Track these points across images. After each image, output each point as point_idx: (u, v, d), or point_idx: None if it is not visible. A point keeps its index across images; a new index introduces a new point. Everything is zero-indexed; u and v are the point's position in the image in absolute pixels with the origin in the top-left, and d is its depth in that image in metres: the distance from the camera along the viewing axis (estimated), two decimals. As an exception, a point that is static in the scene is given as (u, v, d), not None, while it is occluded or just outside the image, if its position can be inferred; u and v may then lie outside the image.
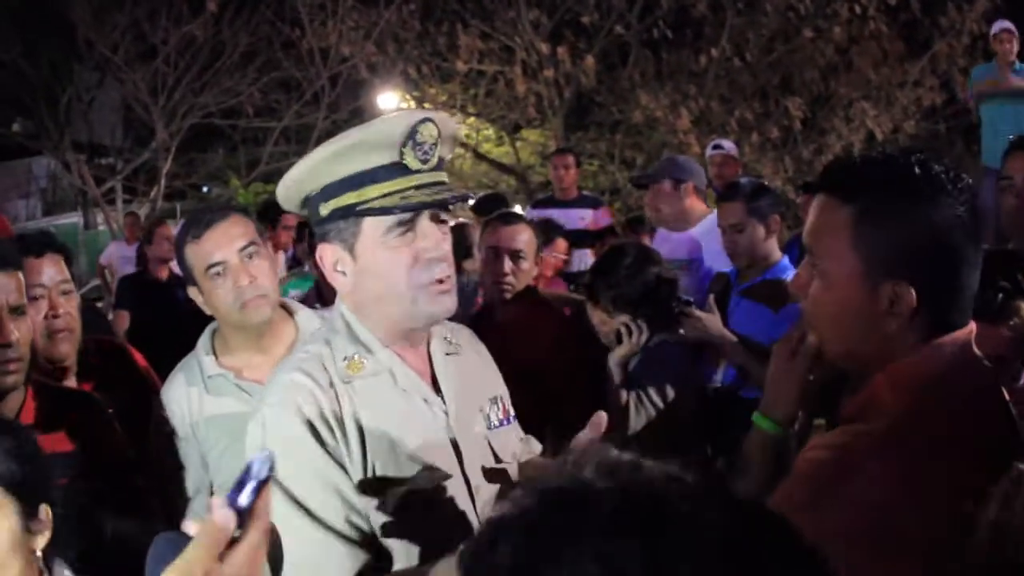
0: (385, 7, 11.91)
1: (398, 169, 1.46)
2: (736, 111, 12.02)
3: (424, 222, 1.48)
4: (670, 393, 2.81)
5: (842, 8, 12.10)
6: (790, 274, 3.23)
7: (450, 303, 1.53)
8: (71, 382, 2.34)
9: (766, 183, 3.72)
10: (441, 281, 1.50)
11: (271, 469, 1.06)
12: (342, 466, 1.45)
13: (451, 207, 1.57)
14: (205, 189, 14.97)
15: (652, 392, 2.80)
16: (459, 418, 1.58)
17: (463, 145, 12.64)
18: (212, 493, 2.08)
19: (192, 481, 2.16)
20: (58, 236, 2.56)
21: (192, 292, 2.19)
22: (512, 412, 1.73)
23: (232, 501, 1.01)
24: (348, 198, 1.47)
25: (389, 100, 11.97)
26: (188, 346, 2.27)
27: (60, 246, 2.38)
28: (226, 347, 2.19)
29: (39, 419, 1.91)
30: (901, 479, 1.14)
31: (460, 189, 1.60)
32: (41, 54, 13.86)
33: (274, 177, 13.28)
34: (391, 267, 1.48)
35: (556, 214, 5.72)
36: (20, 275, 1.91)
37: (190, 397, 2.15)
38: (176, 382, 2.18)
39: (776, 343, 1.49)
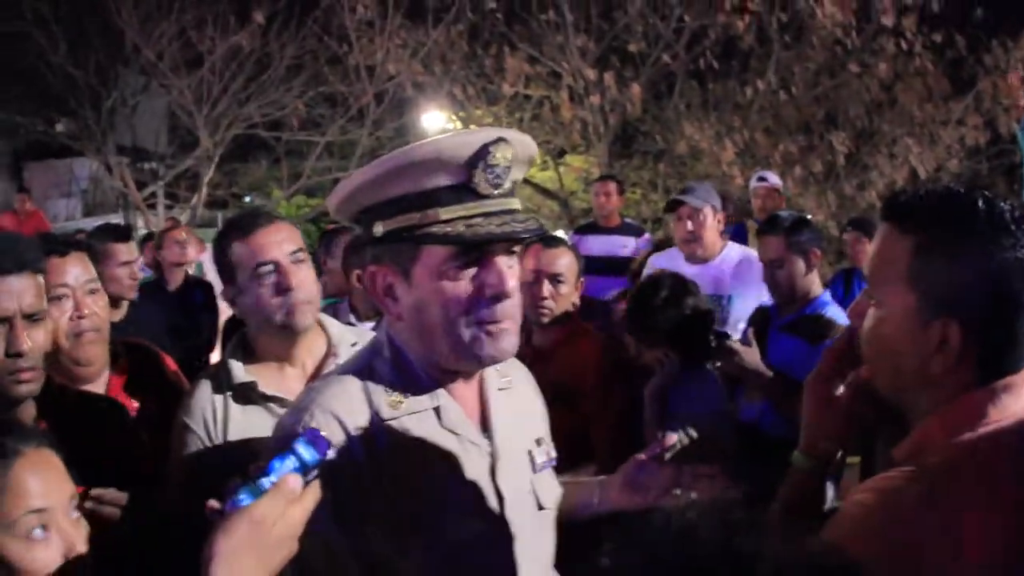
0: (433, 27, 11.95)
1: (466, 192, 1.32)
2: (780, 144, 11.96)
3: (493, 258, 1.35)
4: (707, 428, 2.75)
5: (888, 44, 12.05)
6: (830, 309, 3.31)
7: (509, 345, 1.40)
8: (100, 385, 2.27)
9: (808, 217, 3.64)
10: (502, 320, 1.37)
11: (324, 453, 1.10)
12: (365, 510, 1.34)
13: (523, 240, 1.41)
14: (247, 199, 15.02)
15: (690, 427, 2.73)
16: (505, 461, 1.47)
17: (505, 168, 12.59)
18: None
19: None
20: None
21: (226, 291, 2.12)
22: (554, 455, 1.62)
23: (263, 474, 1.07)
24: (407, 219, 1.33)
25: (435, 119, 11.97)
26: (202, 351, 2.26)
27: (86, 244, 2.32)
28: (254, 355, 2.12)
29: (54, 425, 1.79)
30: (943, 529, 1.09)
31: (534, 220, 1.41)
32: (88, 57, 14.00)
33: (316, 191, 13.40)
34: (450, 299, 1.35)
35: (598, 241, 5.67)
36: (39, 278, 1.76)
37: (215, 404, 2.06)
38: (203, 388, 2.09)
39: (808, 378, 1.42)
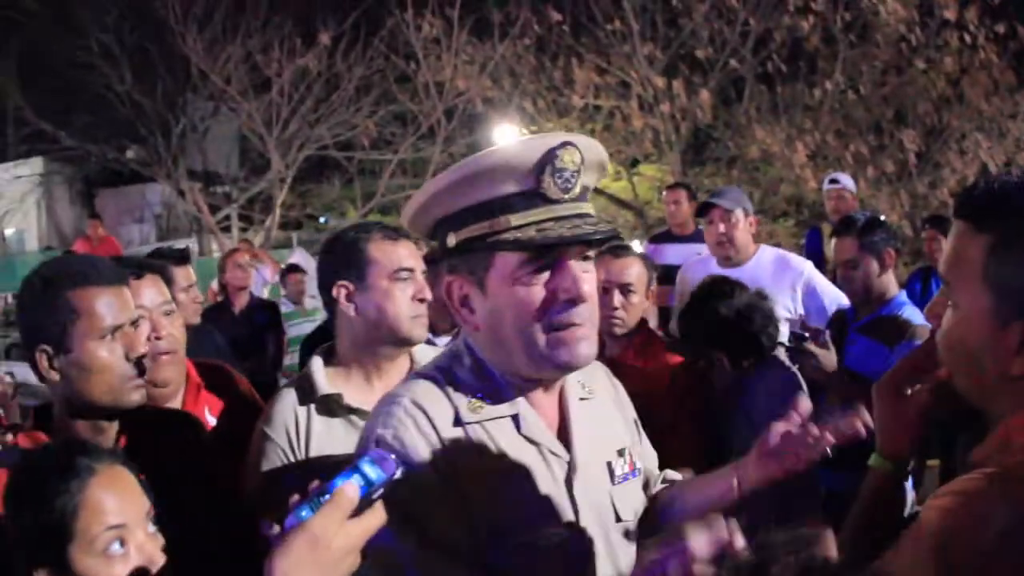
0: (499, 42, 12.03)
1: (536, 198, 1.31)
2: (851, 145, 11.88)
3: (566, 262, 1.33)
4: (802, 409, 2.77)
5: (952, 38, 11.93)
6: (907, 310, 3.23)
7: (586, 351, 1.36)
8: (176, 404, 2.26)
9: (882, 217, 3.57)
10: (578, 325, 1.34)
11: (391, 472, 1.07)
12: (457, 506, 1.33)
13: (596, 245, 1.38)
14: (323, 220, 15.17)
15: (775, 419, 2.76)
16: (583, 472, 1.44)
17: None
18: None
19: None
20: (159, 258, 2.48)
21: (340, 288, 2.06)
22: (639, 465, 1.58)
23: (324, 492, 1.06)
24: (479, 228, 1.32)
25: (506, 134, 12.03)
26: (267, 370, 2.23)
27: (159, 267, 2.32)
28: (340, 366, 2.10)
29: (131, 441, 1.79)
30: None
31: (606, 223, 1.39)
32: (154, 84, 14.27)
33: (390, 209, 13.52)
34: (524, 306, 1.33)
35: (672, 250, 5.64)
36: (126, 290, 1.79)
37: (298, 415, 2.03)
38: (286, 398, 2.06)
39: (879, 382, 1.38)
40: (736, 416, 2.82)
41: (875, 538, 1.21)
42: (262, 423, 2.06)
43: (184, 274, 3.61)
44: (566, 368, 1.38)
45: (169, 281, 2.29)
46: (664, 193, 6.41)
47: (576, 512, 1.41)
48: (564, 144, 1.31)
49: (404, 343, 2.08)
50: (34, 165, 17.01)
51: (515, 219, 1.30)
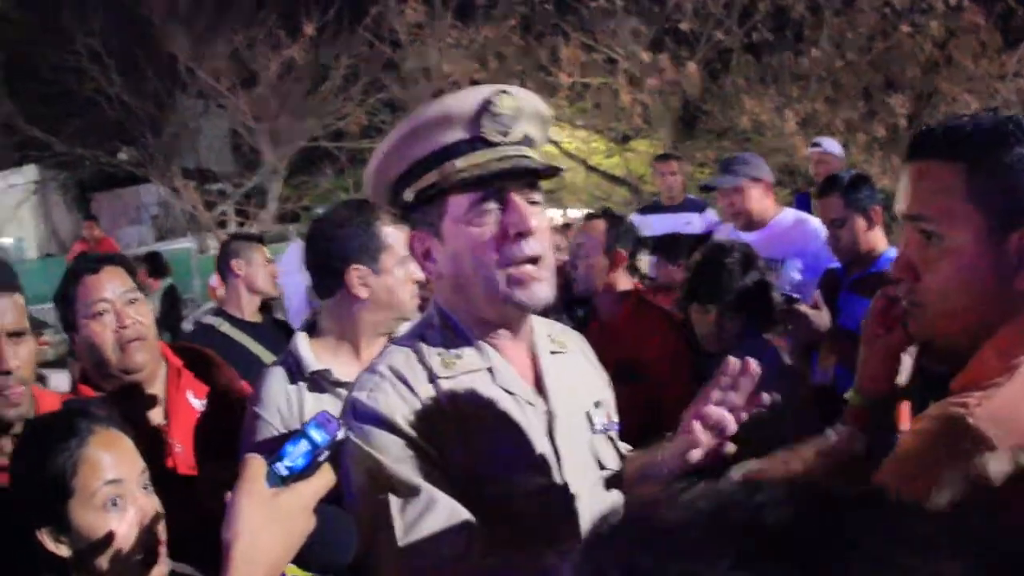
0: (484, 23, 12.01)
1: (478, 142, 1.38)
2: (841, 112, 11.88)
3: (511, 196, 1.38)
4: (774, 396, 2.76)
5: (936, 1, 11.91)
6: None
7: (543, 291, 1.41)
8: (158, 387, 2.30)
9: (867, 175, 3.55)
10: (532, 261, 1.39)
11: (333, 433, 1.12)
12: (434, 464, 1.38)
13: (540, 186, 1.44)
14: (319, 211, 15.17)
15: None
16: (561, 420, 1.47)
17: (573, 157, 12.68)
18: None
19: None
20: (123, 254, 2.51)
21: (353, 272, 2.11)
22: (616, 418, 1.62)
23: (276, 459, 1.11)
24: (430, 178, 1.40)
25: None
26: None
27: (118, 258, 2.36)
28: (326, 344, 2.16)
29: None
30: (1017, 452, 1.06)
31: (546, 160, 1.47)
32: (143, 85, 14.27)
33: (384, 197, 13.45)
34: (477, 244, 1.38)
35: (660, 220, 5.63)
36: (17, 297, 1.83)
37: (289, 394, 2.09)
38: (275, 378, 2.11)
39: (863, 319, 1.40)
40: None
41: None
42: (252, 403, 2.11)
43: (260, 250, 4.04)
44: (524, 307, 1.42)
45: (132, 272, 2.32)
46: (655, 165, 6.39)
47: (559, 460, 1.45)
48: (499, 91, 1.39)
49: (403, 321, 2.14)
50: (28, 173, 17.01)
51: (460, 163, 1.37)
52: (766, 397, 1.45)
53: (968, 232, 1.15)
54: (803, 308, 3.00)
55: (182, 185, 14.02)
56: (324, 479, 1.14)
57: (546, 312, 1.58)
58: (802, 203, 6.52)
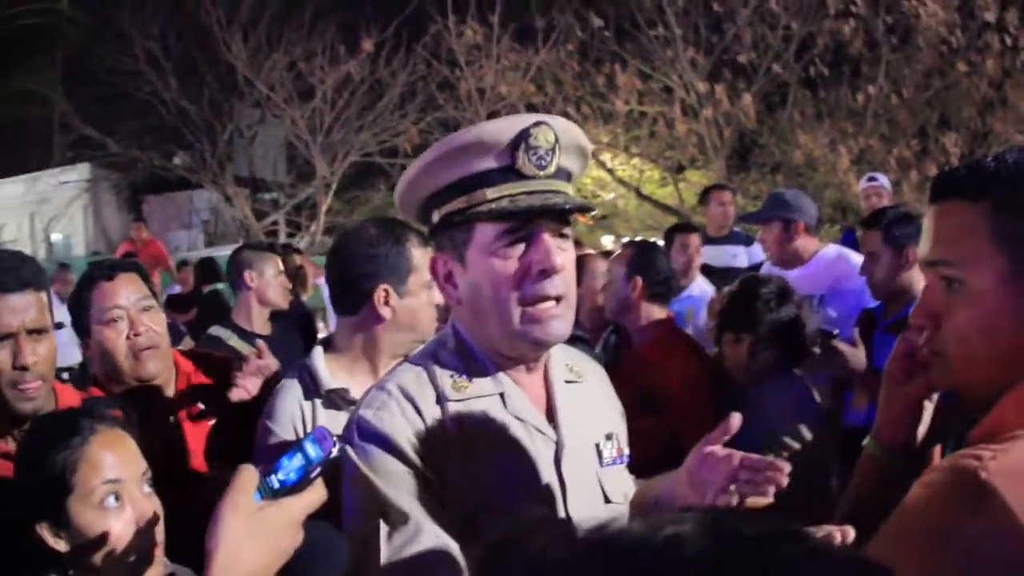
0: (542, 47, 12.10)
1: (511, 173, 1.35)
2: (895, 149, 11.85)
3: (539, 232, 1.36)
4: (806, 435, 2.68)
5: (993, 40, 11.86)
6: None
7: (559, 328, 1.38)
8: (167, 396, 2.30)
9: (915, 214, 3.43)
10: (551, 299, 1.36)
11: (328, 450, 1.11)
12: (430, 491, 1.35)
13: (571, 221, 1.42)
14: (370, 227, 15.20)
15: (787, 438, 2.67)
16: (571, 452, 1.44)
17: (626, 185, 12.73)
18: None
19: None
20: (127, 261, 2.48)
21: (382, 291, 2.07)
22: (627, 452, 1.58)
23: (271, 472, 1.10)
24: (459, 203, 1.37)
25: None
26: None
27: (132, 265, 2.34)
28: (342, 361, 2.13)
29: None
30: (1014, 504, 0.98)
31: (579, 198, 1.44)
32: (200, 92, 14.48)
33: (435, 216, 13.55)
34: (499, 277, 1.35)
35: (707, 250, 5.61)
36: (42, 295, 1.84)
37: (303, 409, 2.05)
38: (290, 393, 2.08)
39: (888, 362, 1.33)
40: (746, 428, 2.83)
41: (863, 524, 1.17)
42: (265, 417, 2.08)
43: (274, 261, 3.98)
44: (539, 345, 1.40)
45: (146, 279, 2.32)
46: (710, 193, 6.34)
47: (564, 492, 1.42)
48: (538, 123, 1.37)
49: (420, 343, 2.12)
50: (81, 171, 17.27)
51: (491, 192, 1.34)
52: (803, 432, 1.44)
53: (990, 275, 1.09)
54: (840, 345, 2.96)
55: (234, 192, 14.19)
56: (315, 495, 1.12)
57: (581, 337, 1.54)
58: (848, 239, 6.51)
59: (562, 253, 1.37)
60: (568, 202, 1.37)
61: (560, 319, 1.38)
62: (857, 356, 2.99)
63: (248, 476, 1.10)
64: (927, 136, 12.06)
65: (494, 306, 1.37)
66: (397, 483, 1.34)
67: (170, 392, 2.31)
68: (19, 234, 19.28)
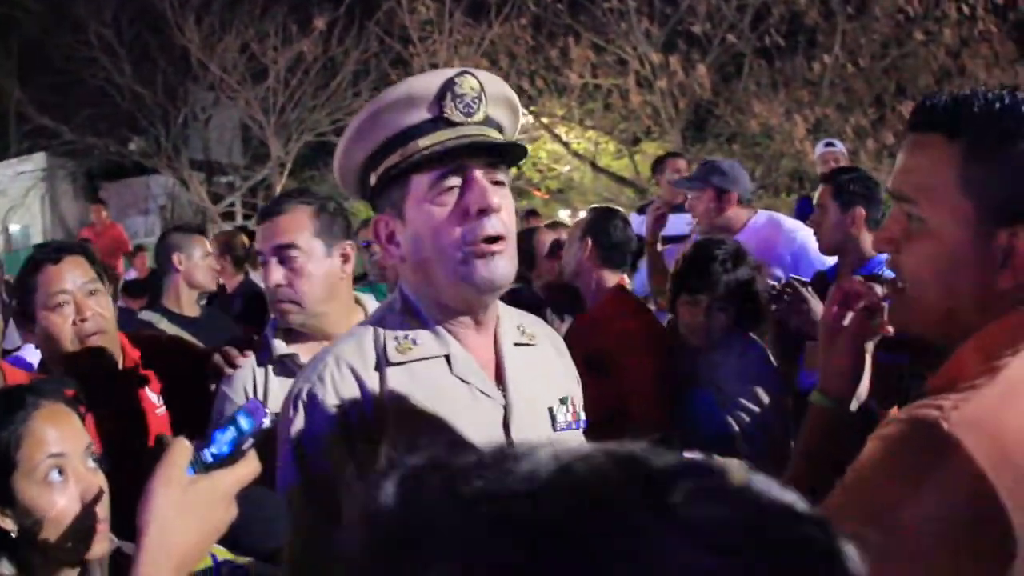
0: (495, 21, 12.01)
1: (440, 122, 1.36)
2: (852, 118, 11.84)
3: (473, 173, 1.36)
4: (763, 397, 2.69)
5: (951, 9, 11.87)
6: (886, 269, 3.15)
7: (503, 267, 1.37)
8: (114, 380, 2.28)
9: (867, 174, 3.41)
10: (493, 239, 1.35)
11: (259, 422, 1.11)
12: (372, 455, 1.34)
13: (504, 168, 1.42)
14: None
15: (745, 400, 2.70)
16: (520, 415, 1.43)
17: (581, 158, 12.67)
18: None
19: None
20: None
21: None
22: (583, 416, 1.57)
23: (205, 445, 1.10)
24: (393, 159, 1.38)
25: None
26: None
27: (78, 247, 2.31)
28: (292, 334, 2.18)
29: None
30: (994, 463, 0.95)
31: (512, 140, 1.47)
32: (154, 76, 14.32)
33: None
34: (437, 223, 1.36)
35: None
36: (79, 258, 2.17)
37: (255, 375, 2.13)
38: (246, 363, 2.17)
39: (823, 312, 1.32)
40: (703, 391, 2.79)
41: (815, 480, 1.14)
42: (224, 384, 2.15)
43: (201, 243, 3.97)
44: (485, 286, 1.37)
45: (93, 262, 2.27)
46: (664, 162, 6.28)
47: None
48: (462, 72, 1.38)
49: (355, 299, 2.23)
50: (37, 161, 17.07)
51: (423, 142, 1.35)
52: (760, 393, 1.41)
53: (952, 220, 1.06)
54: (807, 293, 2.87)
55: (190, 176, 14.04)
56: (248, 468, 1.12)
57: (539, 304, 1.54)
58: (804, 206, 6.48)
59: (499, 193, 1.37)
60: (498, 140, 1.39)
61: (502, 257, 1.36)
62: (819, 306, 2.90)
63: (180, 450, 1.09)
64: (884, 105, 12.06)
65: (436, 253, 1.36)
66: (326, 452, 1.35)
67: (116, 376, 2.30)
68: (-25, 225, 19.09)
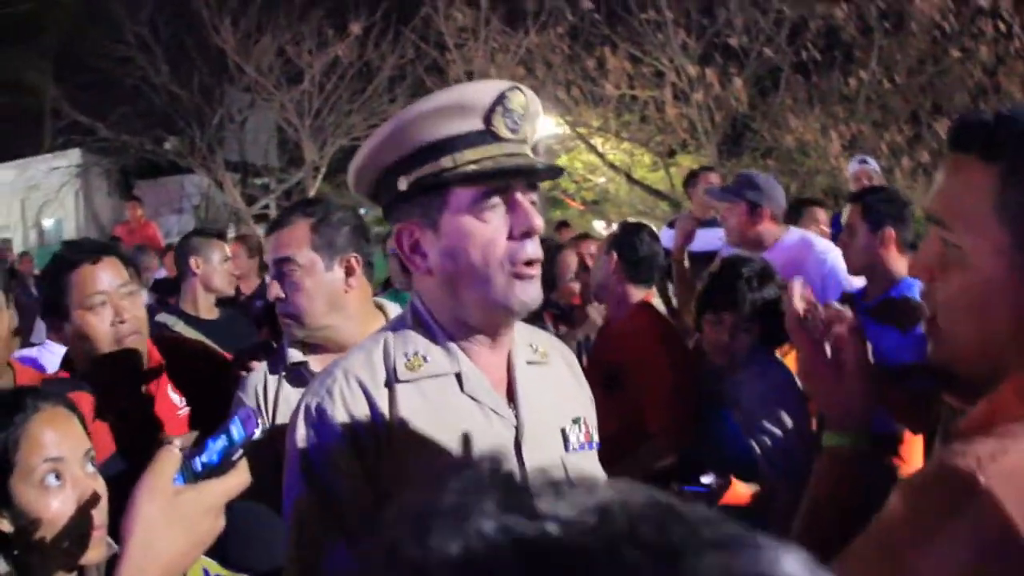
0: (532, 29, 12.03)
1: (487, 135, 1.33)
2: (887, 135, 11.77)
3: (518, 194, 1.35)
4: (787, 421, 2.67)
5: (987, 26, 11.80)
6: (916, 291, 3.06)
7: (538, 291, 1.37)
8: (141, 382, 2.31)
9: (900, 194, 3.39)
10: (531, 264, 1.34)
11: (251, 432, 1.09)
12: (379, 471, 1.33)
13: (541, 177, 1.42)
14: (363, 211, 15.24)
15: (768, 423, 2.66)
16: (532, 435, 1.40)
17: (616, 169, 12.67)
18: None
19: None
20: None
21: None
22: (596, 438, 1.53)
23: (197, 453, 1.08)
24: (434, 166, 1.33)
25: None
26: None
27: (114, 249, 2.33)
28: (308, 343, 2.15)
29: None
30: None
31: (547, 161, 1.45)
32: (191, 76, 14.43)
33: (424, 199, 13.53)
34: (480, 241, 1.32)
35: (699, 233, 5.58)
36: (113, 259, 2.21)
37: (268, 382, 2.13)
38: (259, 368, 2.18)
39: (798, 355, 1.24)
40: (727, 412, 2.78)
41: (827, 533, 1.07)
42: (239, 390, 2.16)
43: (220, 248, 4.00)
44: (521, 308, 1.36)
45: (127, 264, 2.30)
46: (697, 176, 6.25)
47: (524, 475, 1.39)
48: (513, 88, 1.36)
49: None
50: (71, 157, 17.21)
51: (469, 154, 1.32)
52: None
53: (988, 248, 1.00)
54: (837, 306, 2.95)
55: (224, 177, 14.14)
56: (237, 480, 1.11)
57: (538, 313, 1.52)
58: (838, 224, 6.47)
59: (537, 216, 1.36)
60: (544, 164, 1.38)
61: (537, 282, 1.36)
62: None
63: (168, 458, 1.08)
64: (920, 122, 11.98)
65: (478, 270, 1.33)
66: (332, 467, 1.33)
67: (143, 378, 2.32)
68: (10, 220, 19.29)
